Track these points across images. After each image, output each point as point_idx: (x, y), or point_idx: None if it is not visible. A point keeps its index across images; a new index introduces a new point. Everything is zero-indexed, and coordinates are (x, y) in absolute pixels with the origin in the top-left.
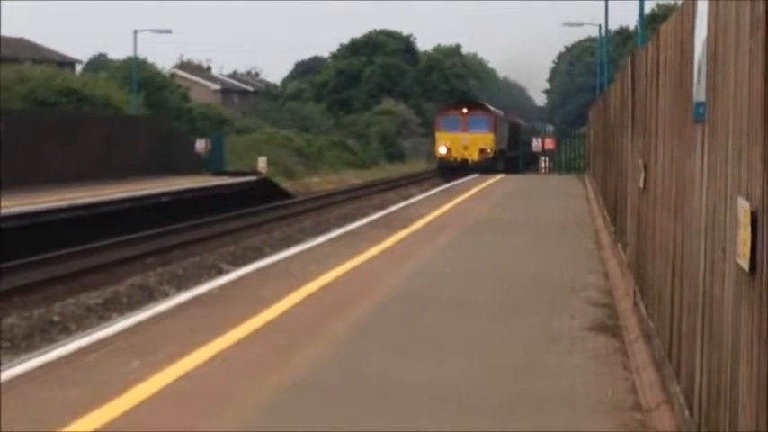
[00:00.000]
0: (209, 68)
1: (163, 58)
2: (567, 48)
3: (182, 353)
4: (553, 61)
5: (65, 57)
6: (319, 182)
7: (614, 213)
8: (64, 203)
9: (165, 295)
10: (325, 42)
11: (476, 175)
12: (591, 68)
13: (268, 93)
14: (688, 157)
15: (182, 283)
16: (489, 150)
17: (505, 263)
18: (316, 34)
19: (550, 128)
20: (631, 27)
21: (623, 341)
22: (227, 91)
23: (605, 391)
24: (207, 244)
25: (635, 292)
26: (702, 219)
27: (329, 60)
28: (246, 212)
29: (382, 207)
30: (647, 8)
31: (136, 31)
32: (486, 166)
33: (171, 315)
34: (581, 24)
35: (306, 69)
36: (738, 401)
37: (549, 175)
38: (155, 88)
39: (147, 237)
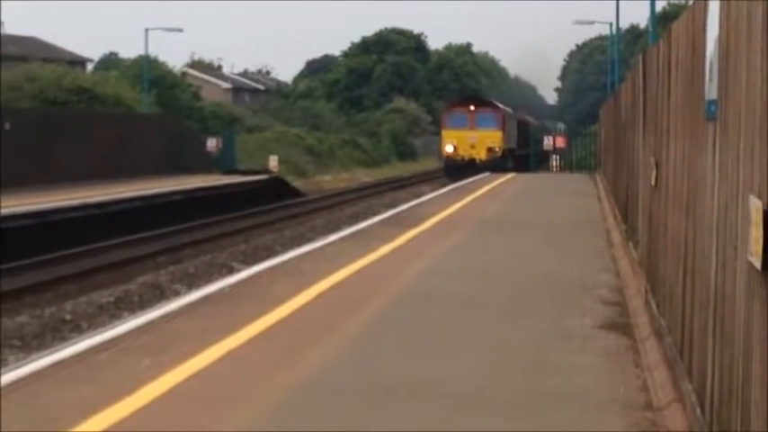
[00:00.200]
0: (220, 67)
1: (174, 56)
2: (578, 46)
3: (193, 352)
4: (564, 59)
5: (76, 56)
6: (330, 180)
7: (625, 211)
8: (75, 202)
9: (177, 294)
10: (336, 41)
11: (486, 174)
12: (602, 67)
13: (279, 91)
14: (700, 155)
15: (193, 282)
16: (497, 149)
17: (516, 261)
18: (327, 33)
19: (561, 126)
20: (642, 25)
21: (635, 339)
22: (238, 89)
23: (617, 390)
24: (218, 243)
25: (646, 291)
26: (714, 217)
27: (340, 59)
28: (257, 211)
29: (393, 205)
30: (659, 6)
31: (147, 30)
32: (494, 166)
33: (182, 314)
34: (592, 23)
35: (317, 68)
36: (750, 400)
37: (560, 174)
38: (166, 87)
39: (159, 235)
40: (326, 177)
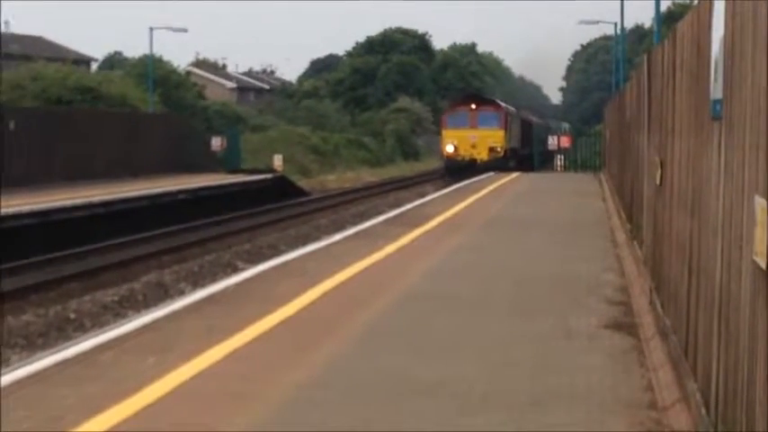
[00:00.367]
0: (224, 66)
1: (178, 56)
2: (582, 46)
3: (197, 350)
4: (569, 59)
5: (80, 55)
6: (335, 180)
7: (630, 211)
8: (79, 201)
9: (181, 293)
10: (340, 40)
11: (490, 174)
12: (606, 66)
13: (284, 90)
14: (705, 154)
15: (197, 281)
16: (499, 149)
17: (521, 261)
18: (332, 32)
19: (566, 126)
20: (647, 25)
21: (639, 339)
22: (242, 89)
23: (621, 389)
24: (223, 241)
25: (651, 290)
26: (719, 216)
27: (345, 58)
28: (262, 210)
29: (398, 205)
30: (663, 6)
31: (152, 29)
32: (495, 166)
33: (187, 313)
34: (597, 23)
35: (321, 67)
36: (755, 399)
37: (564, 173)
38: (170, 86)
39: (163, 234)
40: (331, 177)
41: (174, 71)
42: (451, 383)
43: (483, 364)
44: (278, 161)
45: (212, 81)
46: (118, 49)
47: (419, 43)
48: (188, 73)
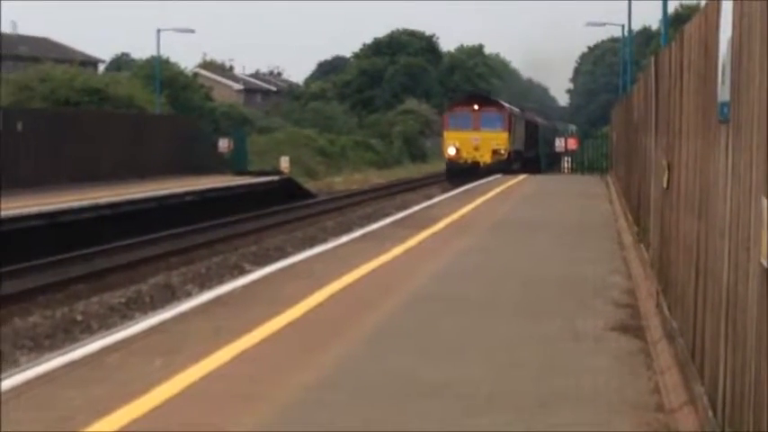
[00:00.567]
0: (231, 68)
1: (186, 57)
2: (589, 48)
3: (205, 352)
4: (576, 61)
5: (87, 56)
6: (342, 181)
7: (637, 213)
8: (87, 203)
9: (188, 295)
10: (347, 42)
11: (498, 176)
12: (614, 68)
13: (291, 92)
14: (712, 157)
15: (205, 283)
16: (503, 151)
17: (528, 263)
18: (338, 34)
19: (573, 128)
20: (654, 27)
21: (646, 342)
22: (249, 90)
23: (628, 392)
24: (230, 243)
25: (658, 293)
26: (726, 218)
27: (352, 60)
28: (269, 212)
29: (405, 207)
30: (671, 8)
31: (159, 31)
32: (499, 169)
33: (194, 314)
34: (604, 24)
35: (328, 69)
36: (763, 402)
37: (571, 176)
38: (178, 88)
39: (170, 236)
40: (338, 179)
41: (181, 73)
42: (458, 384)
43: (490, 366)
44: (285, 163)
45: (219, 83)
46: (125, 50)
47: (426, 45)
48: (195, 74)
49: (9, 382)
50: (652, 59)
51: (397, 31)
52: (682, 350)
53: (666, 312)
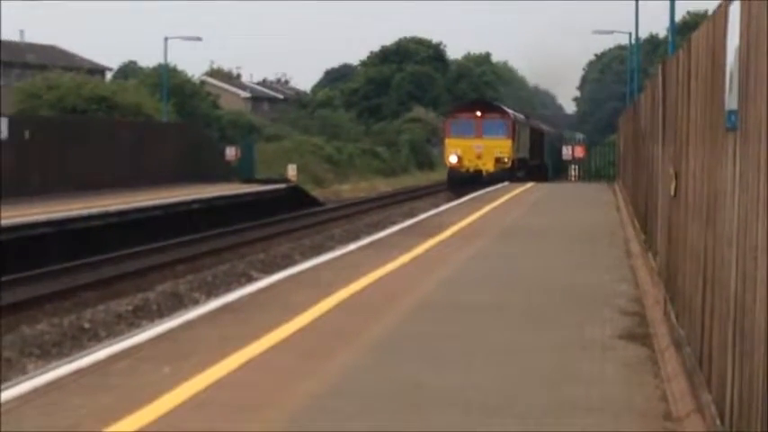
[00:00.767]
0: (238, 76)
1: (193, 65)
2: (596, 56)
3: (213, 360)
4: (583, 69)
5: (95, 64)
6: (349, 189)
7: (645, 221)
8: (95, 211)
9: (196, 302)
10: (355, 50)
11: (505, 183)
12: (621, 76)
13: (298, 100)
14: (719, 165)
15: (212, 291)
16: (506, 159)
17: (535, 271)
18: (346, 42)
19: (580, 136)
20: (662, 35)
21: (654, 350)
22: (256, 98)
23: (636, 400)
24: (237, 251)
25: (665, 301)
26: (734, 227)
27: (359, 68)
28: (276, 220)
29: (412, 215)
30: (678, 16)
31: (166, 39)
32: (502, 178)
33: (202, 322)
34: (611, 32)
35: (336, 77)
36: None
37: (578, 184)
38: (185, 96)
39: (178, 244)
40: (345, 186)
41: (188, 80)
42: (465, 393)
43: (497, 374)
44: (292, 171)
45: (226, 90)
46: (132, 58)
47: (433, 53)
48: (202, 82)
49: (16, 390)
50: (659, 67)
51: (405, 38)
52: (689, 358)
53: (674, 320)
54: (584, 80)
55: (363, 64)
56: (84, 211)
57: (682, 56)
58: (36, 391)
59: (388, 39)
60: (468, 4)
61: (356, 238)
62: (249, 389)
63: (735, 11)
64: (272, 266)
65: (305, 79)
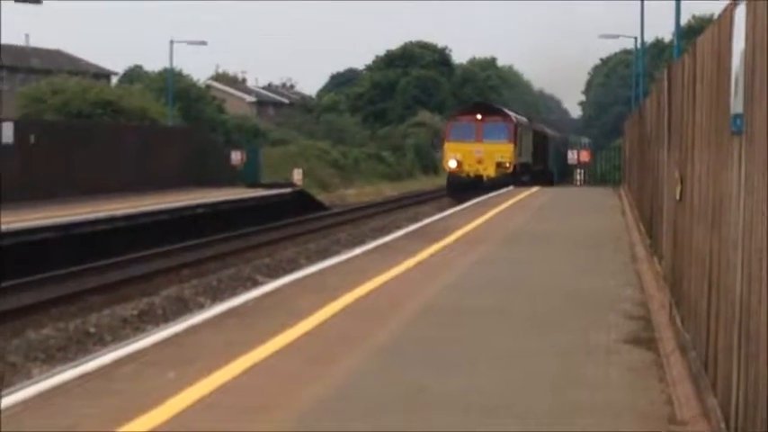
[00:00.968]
0: (244, 80)
1: (198, 70)
2: (602, 60)
3: (218, 365)
4: (588, 73)
5: (100, 69)
6: (354, 194)
7: (650, 226)
8: (101, 215)
9: (201, 307)
10: (360, 54)
11: (510, 188)
12: (626, 80)
13: (303, 105)
14: (725, 169)
15: (217, 295)
16: (508, 164)
17: (540, 275)
18: (351, 46)
19: (586, 140)
20: (667, 39)
21: (659, 354)
22: (262, 103)
23: (641, 403)
24: (242, 256)
25: (671, 305)
26: (739, 230)
27: (365, 72)
28: (282, 224)
29: (417, 219)
30: (683, 20)
31: (172, 43)
32: (503, 183)
33: (207, 327)
34: (617, 36)
35: (341, 81)
36: None
37: (584, 188)
38: (190, 100)
39: (183, 248)
40: (350, 191)
41: (193, 85)
42: (469, 397)
43: (502, 378)
44: (297, 175)
45: (232, 95)
46: (138, 62)
47: (439, 57)
48: (208, 87)
49: (21, 394)
50: (665, 71)
51: (410, 43)
52: (694, 362)
53: (679, 324)
54: (589, 84)
55: (369, 68)
56: (90, 216)
57: (687, 60)
58: (41, 396)
59: (394, 43)
60: (474, 8)
61: (361, 242)
62: (254, 393)
63: (740, 14)
64: (277, 271)
65: (310, 83)
